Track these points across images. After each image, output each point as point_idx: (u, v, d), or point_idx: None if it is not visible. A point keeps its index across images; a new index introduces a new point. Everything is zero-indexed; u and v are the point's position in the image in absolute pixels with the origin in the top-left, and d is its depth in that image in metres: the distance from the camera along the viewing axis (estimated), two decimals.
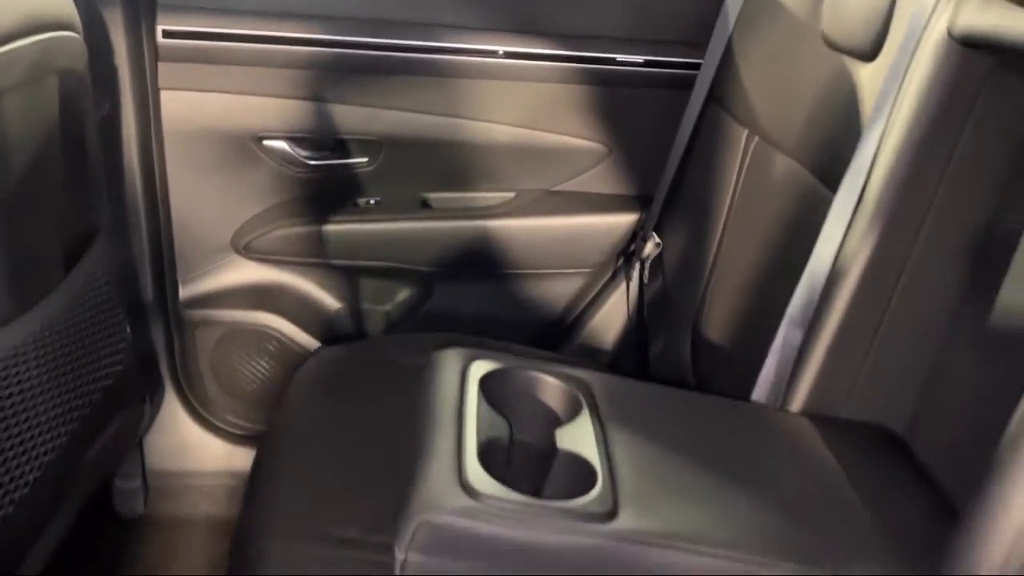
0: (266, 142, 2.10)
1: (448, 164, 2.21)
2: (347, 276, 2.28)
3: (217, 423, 2.29)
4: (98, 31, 1.86)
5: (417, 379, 1.32)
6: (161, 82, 1.99)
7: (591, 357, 2.32)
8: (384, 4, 2.04)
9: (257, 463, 1.71)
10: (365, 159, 2.17)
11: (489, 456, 1.13)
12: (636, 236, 2.27)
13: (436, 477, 1.07)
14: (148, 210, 2.07)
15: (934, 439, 1.39)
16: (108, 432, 1.80)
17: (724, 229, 1.93)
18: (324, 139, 2.14)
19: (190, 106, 2.02)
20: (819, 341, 1.45)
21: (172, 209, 2.12)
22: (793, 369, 1.48)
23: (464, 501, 1.04)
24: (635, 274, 2.27)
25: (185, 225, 2.15)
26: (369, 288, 2.31)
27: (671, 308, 2.14)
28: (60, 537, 1.64)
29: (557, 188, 2.27)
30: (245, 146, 2.09)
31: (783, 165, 1.75)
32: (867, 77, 1.53)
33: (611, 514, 1.07)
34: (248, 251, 2.19)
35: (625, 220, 2.28)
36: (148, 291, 2.13)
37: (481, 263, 2.28)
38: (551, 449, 1.20)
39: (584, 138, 2.21)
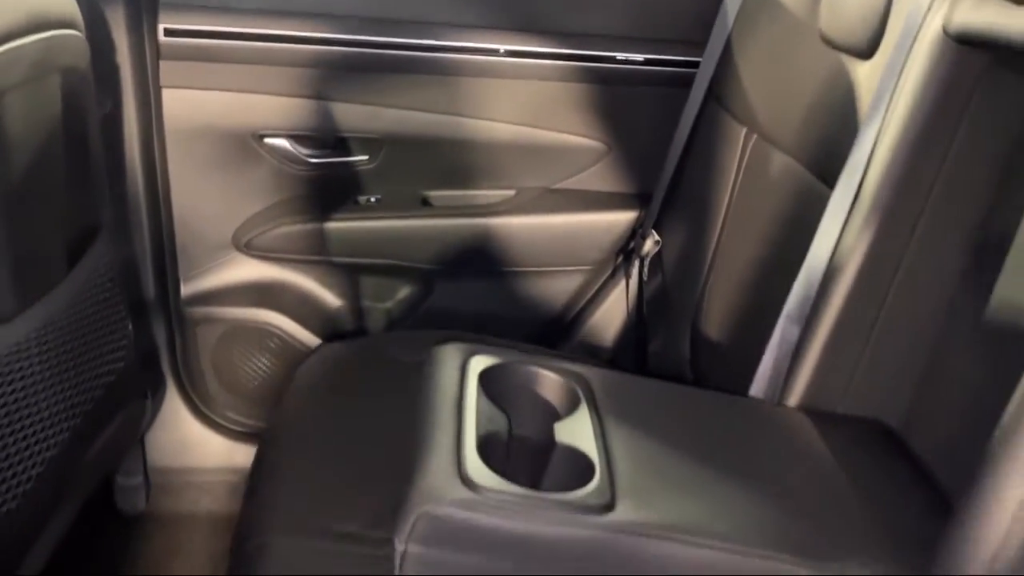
0: (267, 140, 2.11)
1: (448, 162, 2.22)
2: (348, 274, 2.28)
3: (218, 420, 2.30)
4: (100, 29, 1.86)
5: (417, 376, 1.33)
6: (163, 80, 2.00)
7: (591, 354, 2.33)
8: (385, 2, 2.05)
9: (258, 459, 1.72)
10: (366, 157, 2.18)
11: (488, 449, 1.14)
12: (635, 234, 2.28)
13: (436, 469, 1.08)
14: (150, 208, 2.07)
15: (930, 434, 1.39)
16: (110, 428, 1.80)
17: (723, 226, 1.94)
18: (325, 137, 2.15)
19: (191, 104, 2.03)
20: (816, 337, 1.46)
21: (174, 207, 2.13)
22: (790, 364, 1.49)
23: (463, 493, 1.05)
24: (634, 271, 2.28)
25: (187, 223, 2.15)
26: (370, 286, 2.32)
27: (670, 305, 2.15)
28: (62, 533, 1.65)
29: (557, 186, 2.28)
30: (246, 144, 2.10)
31: (781, 163, 1.75)
32: (864, 75, 1.54)
33: (608, 506, 1.08)
34: (249, 249, 2.20)
35: (624, 218, 2.29)
36: (150, 288, 2.14)
37: (481, 261, 2.28)
38: (550, 443, 1.21)
39: (584, 136, 2.22)
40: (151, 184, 2.06)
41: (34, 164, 1.50)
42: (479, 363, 1.31)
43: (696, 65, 2.11)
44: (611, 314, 2.37)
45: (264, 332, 2.29)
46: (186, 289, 2.21)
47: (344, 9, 2.03)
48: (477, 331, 1.93)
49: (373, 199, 2.23)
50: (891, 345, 1.44)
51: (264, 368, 2.31)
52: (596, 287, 2.38)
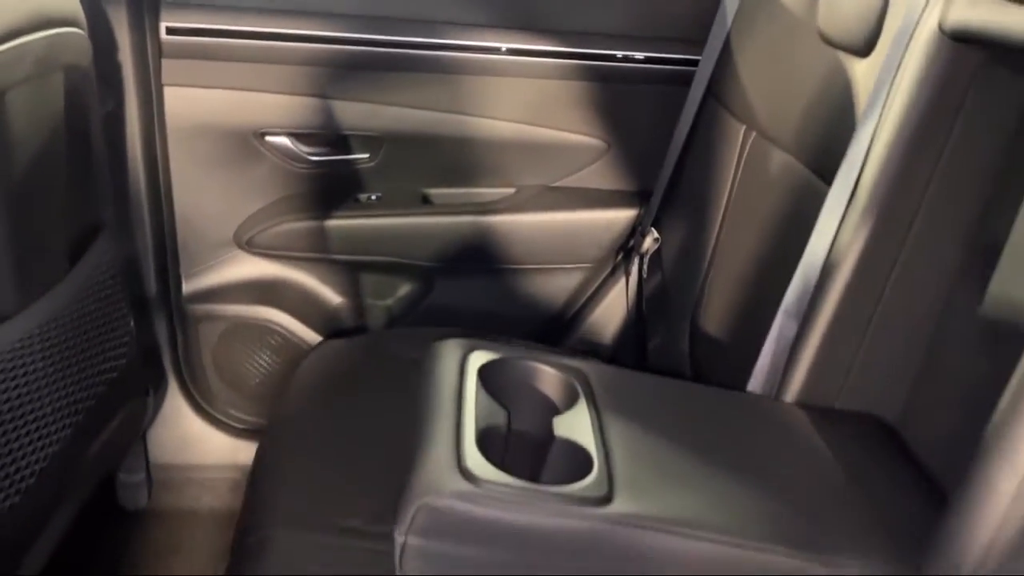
0: (268, 138, 2.12)
1: (449, 160, 2.22)
2: (348, 271, 2.29)
3: (220, 417, 2.31)
4: (102, 28, 1.87)
5: (417, 371, 1.33)
6: (164, 78, 2.01)
7: (591, 351, 2.33)
8: (385, 1, 2.06)
9: (259, 455, 1.73)
10: (366, 155, 2.19)
11: (487, 443, 1.14)
12: (635, 231, 2.28)
13: (435, 462, 1.09)
14: (152, 205, 2.08)
15: (926, 429, 1.40)
16: (112, 424, 1.81)
17: (722, 224, 1.95)
18: (326, 135, 2.16)
19: (193, 102, 2.04)
20: (813, 332, 1.46)
21: (175, 204, 2.14)
22: (788, 360, 1.49)
23: (463, 485, 1.06)
24: (634, 269, 2.29)
25: (188, 220, 2.16)
26: (370, 283, 2.32)
27: (669, 302, 2.15)
28: (65, 529, 1.66)
29: (557, 184, 2.29)
30: (247, 142, 2.11)
31: (780, 160, 1.76)
32: (862, 72, 1.55)
33: (606, 499, 1.08)
34: (250, 246, 2.21)
35: (624, 215, 2.29)
36: (151, 285, 2.14)
37: (481, 258, 2.29)
38: (548, 437, 1.21)
39: (584, 134, 2.23)
40: (153, 182, 2.07)
41: (37, 161, 1.51)
42: (478, 358, 1.31)
43: (695, 63, 2.12)
44: (611, 311, 2.38)
45: (265, 329, 2.29)
46: (187, 286, 2.22)
47: (345, 8, 2.04)
48: (477, 328, 1.93)
49: (374, 197, 2.24)
50: (887, 340, 1.45)
51: (265, 365, 2.31)
52: (596, 284, 2.38)
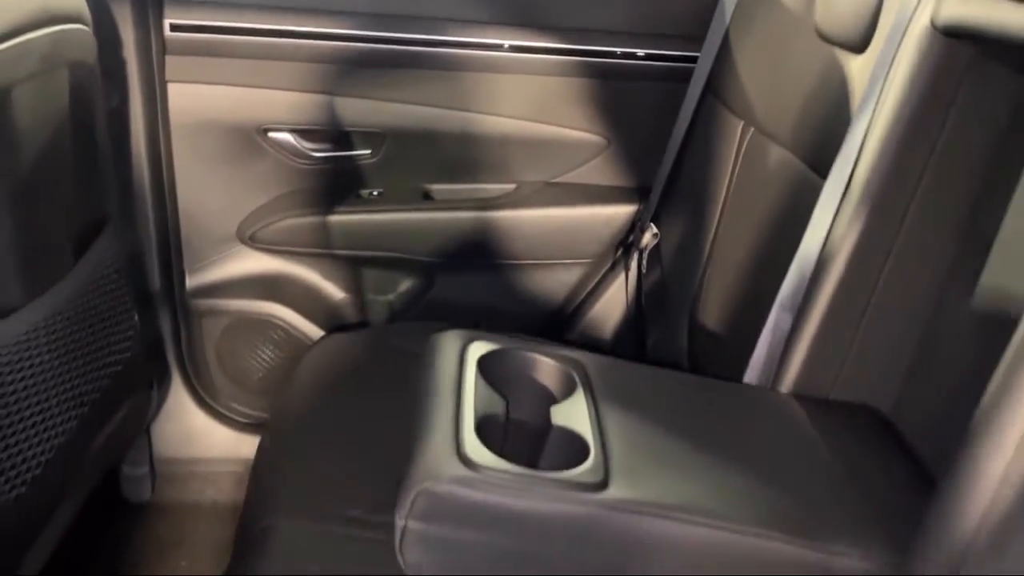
0: (271, 134, 2.13)
1: (450, 156, 2.24)
2: (350, 266, 2.30)
3: (223, 411, 2.32)
4: (107, 24, 1.88)
5: (417, 364, 1.35)
6: (168, 75, 2.02)
7: (590, 346, 2.34)
8: None
9: (262, 448, 1.74)
10: (368, 151, 2.20)
11: (486, 431, 1.15)
12: (634, 227, 2.29)
13: (435, 449, 1.10)
14: (155, 200, 2.09)
15: (919, 418, 1.40)
16: (117, 417, 1.82)
17: (720, 219, 1.96)
18: (328, 131, 2.17)
19: (197, 98, 2.06)
20: (808, 324, 1.47)
21: (179, 200, 2.15)
22: (783, 351, 1.50)
23: (462, 471, 1.07)
24: (633, 264, 2.30)
25: (192, 216, 2.18)
26: (372, 278, 2.33)
27: (668, 297, 2.16)
28: (70, 521, 1.67)
29: (557, 180, 2.30)
30: (250, 138, 2.12)
31: (777, 155, 1.77)
32: (857, 68, 1.56)
33: (602, 484, 1.09)
34: (253, 241, 2.22)
35: (624, 211, 2.31)
36: (155, 280, 2.16)
37: (482, 254, 2.30)
38: (546, 426, 1.22)
39: (584, 130, 2.24)
40: (157, 177, 2.08)
41: (42, 157, 1.52)
42: (478, 349, 1.32)
43: (694, 60, 2.13)
44: (610, 306, 2.39)
45: (268, 324, 2.31)
46: (191, 281, 2.24)
47: (348, 5, 2.05)
48: (478, 323, 1.94)
49: (375, 192, 2.26)
50: (881, 332, 1.46)
51: (268, 359, 2.33)
52: (596, 280, 2.39)
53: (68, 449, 1.59)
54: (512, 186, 2.29)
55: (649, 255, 2.24)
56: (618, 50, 2.18)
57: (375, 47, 2.07)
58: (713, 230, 1.97)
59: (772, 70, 1.87)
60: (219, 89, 2.06)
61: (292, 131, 2.15)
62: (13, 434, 1.44)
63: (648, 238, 2.22)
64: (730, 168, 1.94)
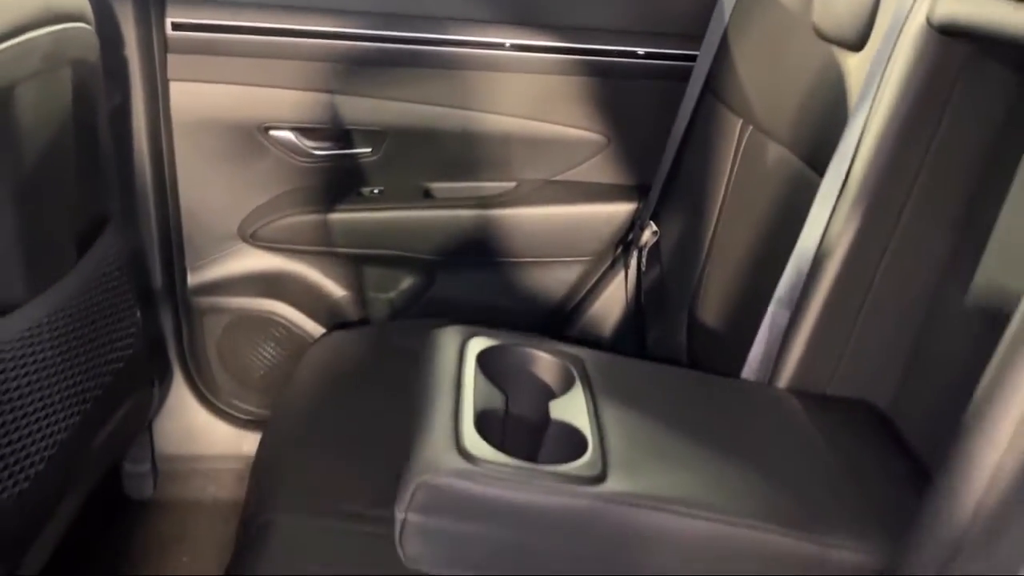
0: (272, 132, 2.14)
1: (450, 154, 2.24)
2: (351, 264, 2.31)
3: (224, 408, 2.33)
4: (109, 23, 1.89)
5: (418, 360, 1.35)
6: (170, 73, 2.03)
7: (590, 343, 2.34)
8: None
9: (263, 444, 1.75)
10: (369, 149, 2.21)
11: (486, 426, 1.16)
12: (634, 225, 2.30)
13: (435, 442, 1.11)
14: (157, 198, 2.10)
15: (915, 414, 1.41)
16: (119, 414, 1.83)
17: (719, 216, 1.96)
18: (329, 129, 2.18)
19: (198, 97, 2.06)
20: (805, 320, 1.48)
21: (181, 198, 2.16)
22: (780, 348, 1.51)
23: (461, 464, 1.08)
24: (633, 262, 2.30)
25: (193, 213, 2.18)
26: (373, 276, 2.34)
27: (668, 295, 2.17)
28: (72, 518, 1.68)
29: (557, 178, 2.30)
30: (252, 136, 2.13)
31: (775, 153, 1.78)
32: (854, 66, 1.56)
33: (600, 477, 1.10)
34: (255, 239, 2.23)
35: (623, 209, 2.31)
36: (157, 278, 2.16)
37: (483, 252, 2.31)
38: (545, 420, 1.23)
39: (584, 129, 2.25)
40: (159, 175, 2.09)
41: (45, 155, 1.53)
42: (477, 344, 1.33)
43: (693, 59, 2.14)
44: (610, 304, 2.39)
45: (269, 321, 2.31)
46: (193, 279, 2.24)
47: (349, 4, 2.05)
48: (478, 321, 1.95)
49: (376, 191, 2.26)
50: (878, 328, 1.46)
51: (269, 357, 2.34)
52: (595, 277, 2.40)
53: (70, 445, 1.60)
54: (512, 184, 2.30)
55: (649, 253, 2.24)
56: (618, 49, 2.18)
57: (376, 46, 2.08)
58: (712, 228, 1.98)
59: (770, 68, 1.88)
60: (220, 87, 2.06)
61: (293, 129, 2.15)
62: (16, 429, 1.44)
63: (648, 236, 2.23)
64: (729, 166, 1.95)
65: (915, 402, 1.43)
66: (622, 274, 2.35)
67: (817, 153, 1.60)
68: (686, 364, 2.00)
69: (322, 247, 2.26)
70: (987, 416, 0.96)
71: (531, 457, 1.16)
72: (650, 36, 2.20)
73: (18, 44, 1.38)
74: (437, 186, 2.29)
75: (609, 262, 2.38)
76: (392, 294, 2.37)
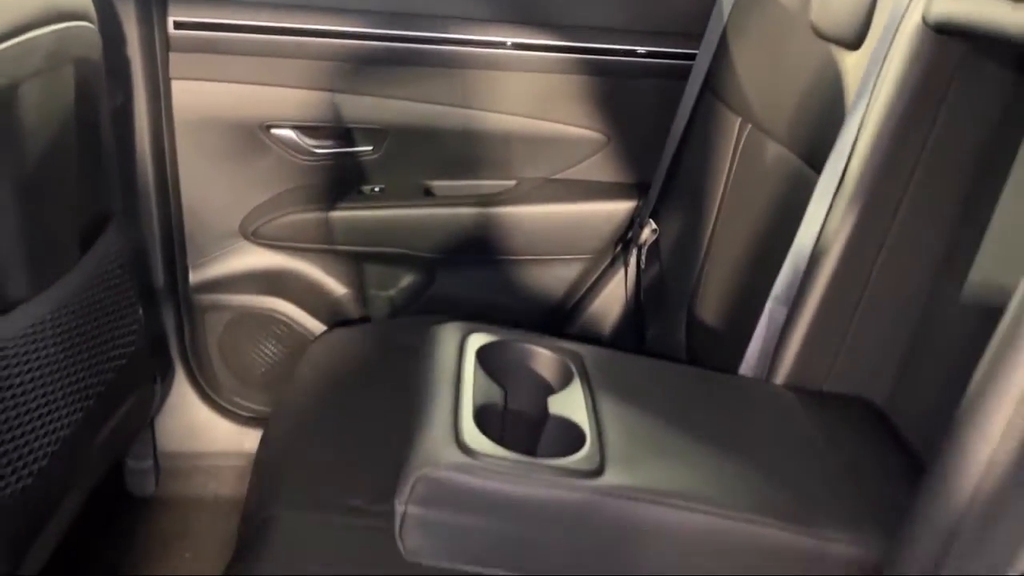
0: (274, 131, 2.15)
1: (451, 152, 2.25)
2: (352, 262, 2.32)
3: (225, 405, 2.34)
4: (112, 22, 1.90)
5: (418, 357, 1.36)
6: (172, 72, 2.04)
7: (590, 340, 2.34)
8: None
9: (264, 440, 1.75)
10: (370, 147, 2.22)
11: (485, 420, 1.17)
12: (634, 223, 2.31)
13: (434, 436, 1.12)
14: (159, 196, 2.10)
15: (911, 409, 1.42)
16: (121, 411, 1.84)
17: (718, 214, 1.97)
18: (331, 128, 2.18)
19: (200, 95, 2.07)
20: (802, 317, 1.49)
21: (183, 196, 2.17)
22: (777, 344, 1.52)
23: (460, 457, 1.09)
24: (632, 260, 2.31)
25: (195, 211, 2.19)
26: (373, 273, 2.35)
27: (667, 292, 2.17)
28: (75, 514, 1.69)
29: (557, 176, 2.31)
30: (253, 134, 2.14)
31: (774, 151, 1.79)
32: (852, 65, 1.57)
33: (598, 471, 1.11)
34: (256, 237, 2.24)
35: (623, 207, 2.32)
36: (159, 275, 2.17)
37: (483, 249, 2.31)
38: (543, 415, 1.24)
39: (584, 127, 2.25)
40: (161, 173, 2.10)
41: (48, 153, 1.53)
42: (477, 340, 1.34)
43: (693, 57, 2.14)
44: (610, 301, 2.40)
45: (270, 319, 2.32)
46: (194, 276, 2.25)
47: (351, 3, 2.06)
48: (478, 318, 1.95)
49: (377, 189, 2.27)
50: (874, 324, 1.47)
51: (270, 354, 2.34)
52: (595, 275, 2.41)
53: (73, 442, 1.61)
54: (513, 182, 2.30)
55: (648, 251, 2.25)
56: (618, 48, 2.19)
57: (377, 44, 2.08)
58: (711, 225, 1.99)
59: (769, 67, 1.89)
60: (222, 86, 2.07)
61: (295, 128, 2.16)
62: (20, 425, 1.45)
63: (647, 234, 2.24)
64: (728, 164, 1.96)
65: (911, 397, 1.43)
66: (622, 272, 2.36)
67: (815, 151, 1.61)
68: (685, 361, 2.00)
69: (323, 245, 2.26)
70: (980, 410, 0.97)
71: (530, 451, 1.17)
72: (650, 35, 2.20)
73: (21, 43, 1.39)
74: (438, 184, 2.30)
75: (609, 260, 2.38)
76: (393, 292, 2.37)
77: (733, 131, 1.95)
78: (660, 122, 2.21)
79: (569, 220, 2.34)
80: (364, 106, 2.15)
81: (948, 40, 1.36)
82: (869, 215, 1.44)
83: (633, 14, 2.19)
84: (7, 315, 1.45)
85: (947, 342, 1.40)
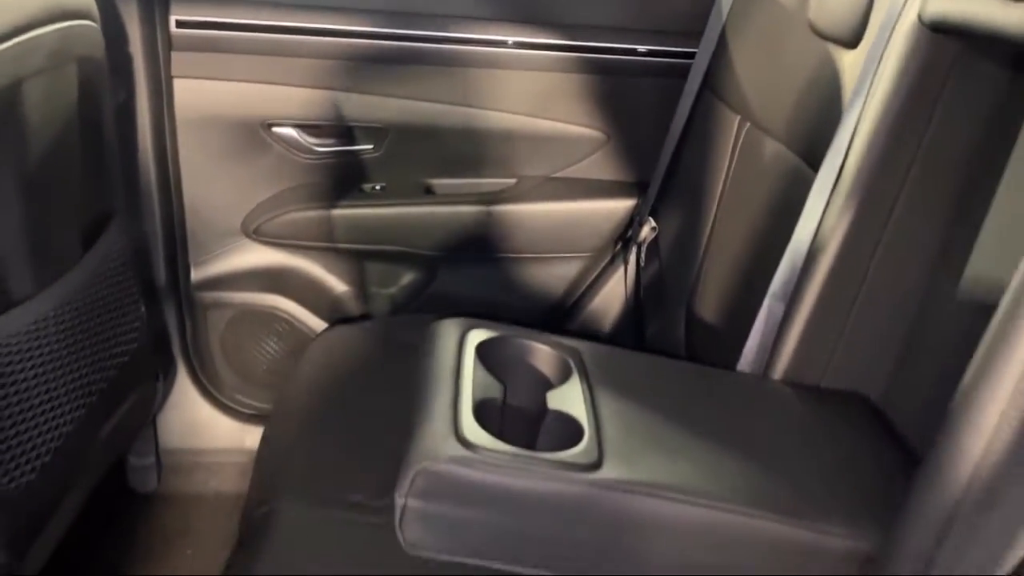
0: (275, 129, 2.15)
1: (451, 151, 2.25)
2: (353, 259, 2.32)
3: (227, 402, 2.34)
4: (114, 21, 1.91)
5: (418, 353, 1.37)
6: (174, 70, 2.04)
7: (590, 337, 2.34)
8: None
9: (266, 436, 1.76)
10: (371, 146, 2.22)
11: (484, 415, 1.18)
12: (633, 221, 2.31)
13: (434, 430, 1.13)
14: (161, 195, 2.11)
15: (908, 405, 1.43)
16: (123, 408, 1.85)
17: (717, 212, 1.98)
18: (332, 126, 2.19)
19: (202, 94, 2.08)
20: (799, 313, 1.49)
21: (184, 194, 2.17)
22: (775, 340, 1.52)
23: (460, 451, 1.10)
24: (632, 258, 2.31)
25: (197, 209, 2.20)
26: (374, 271, 2.35)
27: (666, 290, 2.18)
28: (77, 510, 1.70)
29: (557, 174, 2.32)
30: (255, 133, 2.14)
31: (772, 149, 1.79)
32: (849, 63, 1.58)
33: (596, 465, 1.12)
34: (257, 235, 2.24)
35: (623, 205, 2.32)
36: (161, 273, 2.18)
37: (483, 247, 2.32)
38: (542, 410, 1.25)
39: (583, 126, 2.26)
40: (163, 172, 2.10)
41: (51, 151, 1.54)
42: (476, 336, 1.35)
43: (692, 56, 2.15)
44: (609, 299, 2.40)
45: (272, 316, 2.33)
46: (196, 274, 2.26)
47: (351, 2, 2.07)
48: (479, 316, 1.96)
49: (378, 187, 2.27)
50: (871, 320, 1.48)
51: (272, 352, 2.35)
52: (595, 273, 2.41)
53: (76, 438, 1.62)
54: (513, 181, 2.31)
55: (648, 249, 2.25)
56: (618, 46, 2.19)
57: (378, 43, 2.09)
58: (710, 223, 1.99)
59: (767, 66, 1.89)
60: (224, 85, 2.07)
61: (296, 126, 2.16)
62: (23, 421, 1.46)
63: (646, 232, 2.24)
64: (727, 163, 1.96)
65: (907, 392, 1.44)
66: (621, 270, 2.36)
67: (812, 149, 1.61)
68: (684, 357, 2.01)
69: (324, 243, 2.27)
70: (973, 403, 0.98)
71: (529, 445, 1.17)
72: (650, 34, 2.21)
73: (24, 41, 1.39)
74: (438, 182, 2.30)
75: (608, 258, 2.39)
76: (393, 289, 2.38)
77: (732, 129, 1.95)
78: (660, 120, 2.22)
79: (569, 218, 2.34)
80: (365, 104, 2.15)
81: (944, 38, 1.37)
82: (866, 212, 1.44)
83: (633, 13, 2.20)
84: (10, 312, 1.46)
85: (943, 338, 1.40)
